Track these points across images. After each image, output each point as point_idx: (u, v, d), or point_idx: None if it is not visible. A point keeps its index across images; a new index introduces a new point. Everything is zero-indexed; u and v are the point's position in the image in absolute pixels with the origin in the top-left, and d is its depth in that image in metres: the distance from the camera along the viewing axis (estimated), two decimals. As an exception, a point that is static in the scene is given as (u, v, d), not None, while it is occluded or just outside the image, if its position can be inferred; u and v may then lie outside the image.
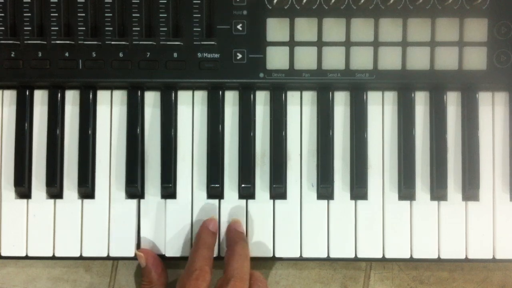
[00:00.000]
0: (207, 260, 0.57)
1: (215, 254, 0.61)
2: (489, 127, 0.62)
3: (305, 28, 0.61)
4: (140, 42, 0.61)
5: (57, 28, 0.61)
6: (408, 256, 0.61)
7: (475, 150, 0.61)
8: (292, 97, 0.63)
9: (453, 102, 0.63)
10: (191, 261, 0.57)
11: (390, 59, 0.61)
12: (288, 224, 0.61)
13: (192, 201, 0.62)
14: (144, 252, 0.60)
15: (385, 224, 0.61)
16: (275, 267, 0.65)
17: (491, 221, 0.61)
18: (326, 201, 0.62)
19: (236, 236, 0.59)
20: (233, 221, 0.61)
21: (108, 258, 0.61)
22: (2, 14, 0.61)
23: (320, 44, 0.61)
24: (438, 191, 0.61)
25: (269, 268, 0.64)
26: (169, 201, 0.62)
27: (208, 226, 0.60)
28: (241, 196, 0.62)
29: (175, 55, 0.61)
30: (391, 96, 0.63)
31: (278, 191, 0.61)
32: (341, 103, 0.63)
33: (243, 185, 0.61)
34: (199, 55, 0.61)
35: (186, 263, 0.61)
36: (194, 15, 0.61)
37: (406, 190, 0.61)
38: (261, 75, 0.61)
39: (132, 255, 0.61)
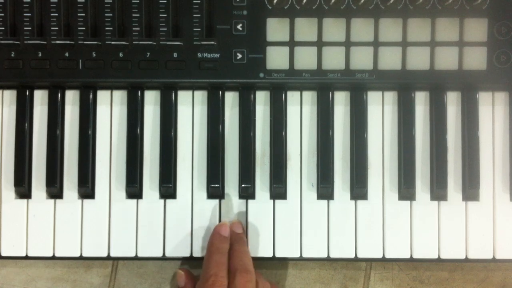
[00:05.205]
0: (222, 265, 0.56)
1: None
2: (489, 127, 0.62)
3: (305, 28, 0.61)
4: (140, 42, 0.60)
5: (57, 28, 0.61)
6: (408, 256, 0.61)
7: (475, 150, 0.61)
8: (292, 97, 0.63)
9: (453, 102, 0.63)
10: (206, 268, 0.56)
11: (390, 59, 0.61)
12: (288, 224, 0.61)
13: (192, 201, 0.62)
14: (185, 272, 0.60)
15: (385, 224, 0.61)
16: (275, 267, 0.64)
17: (491, 221, 0.61)
18: (326, 201, 0.62)
19: (234, 237, 0.59)
20: (231, 223, 0.61)
21: (108, 258, 0.61)
22: (2, 14, 0.61)
23: (320, 44, 0.61)
24: (438, 191, 0.61)
25: (269, 268, 0.64)
26: (169, 201, 0.62)
27: (220, 231, 0.59)
28: (241, 196, 0.62)
29: (175, 55, 0.61)
30: (391, 96, 0.63)
31: (278, 191, 0.61)
32: (341, 103, 0.63)
33: (243, 185, 0.61)
34: (199, 55, 0.61)
35: (185, 263, 0.62)
36: (194, 15, 0.61)
37: (406, 190, 0.61)
38: (261, 75, 0.61)
39: (132, 255, 0.61)
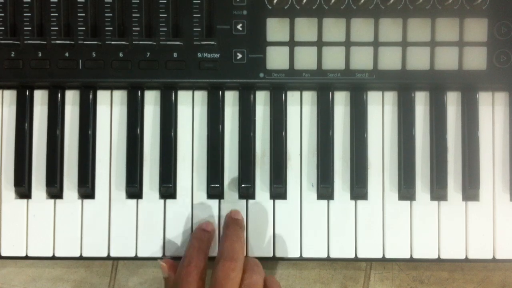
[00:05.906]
0: (198, 249, 0.57)
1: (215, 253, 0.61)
2: (489, 127, 0.62)
3: (305, 28, 0.61)
4: (140, 42, 0.60)
5: (57, 28, 0.61)
6: (408, 256, 0.61)
7: (475, 150, 0.61)
8: (292, 97, 0.63)
9: (453, 102, 0.63)
10: (185, 253, 0.57)
11: (390, 59, 0.61)
12: (288, 224, 0.61)
13: (192, 201, 0.62)
14: (167, 263, 0.59)
15: (385, 224, 0.61)
16: (275, 267, 0.64)
17: (491, 221, 0.61)
18: (326, 201, 0.62)
19: (230, 221, 0.60)
20: (231, 211, 0.61)
21: (108, 258, 0.61)
22: (2, 14, 0.61)
23: (320, 44, 0.61)
24: (438, 191, 0.61)
25: (269, 268, 0.64)
26: (169, 201, 0.62)
27: (202, 226, 0.60)
28: (241, 196, 0.62)
29: (175, 55, 0.61)
30: (391, 96, 0.63)
31: (278, 191, 0.61)
32: (341, 103, 0.63)
33: (243, 185, 0.61)
34: (199, 55, 0.61)
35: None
36: (194, 15, 0.61)
37: (406, 190, 0.61)
38: (261, 75, 0.61)
39: (132, 255, 0.61)
